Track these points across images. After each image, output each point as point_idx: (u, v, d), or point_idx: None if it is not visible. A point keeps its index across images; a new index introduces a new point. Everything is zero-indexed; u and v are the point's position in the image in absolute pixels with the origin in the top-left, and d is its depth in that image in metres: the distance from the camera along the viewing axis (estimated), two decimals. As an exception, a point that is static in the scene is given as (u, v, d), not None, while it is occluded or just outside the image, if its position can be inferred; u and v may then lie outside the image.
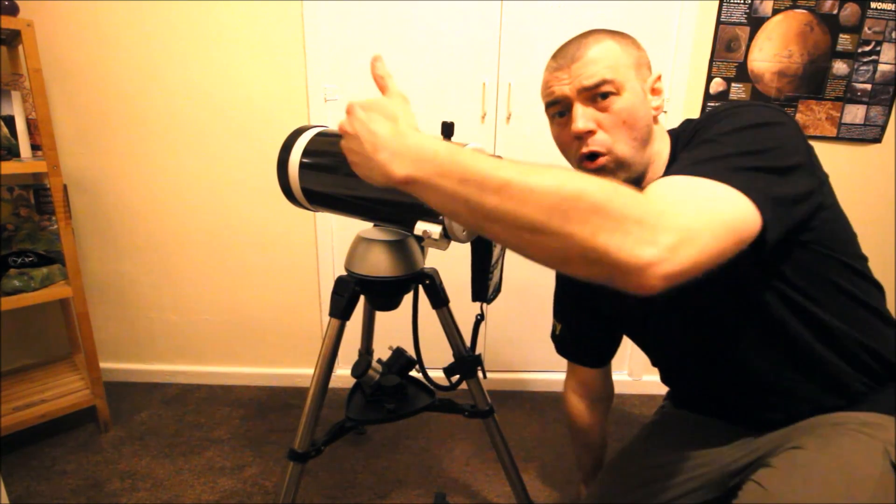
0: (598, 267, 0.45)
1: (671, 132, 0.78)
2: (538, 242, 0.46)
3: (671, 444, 0.93)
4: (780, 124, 0.62)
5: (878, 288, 0.76)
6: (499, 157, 0.50)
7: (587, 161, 0.73)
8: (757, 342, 0.75)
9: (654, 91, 0.74)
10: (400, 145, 0.52)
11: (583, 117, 0.70)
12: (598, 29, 0.74)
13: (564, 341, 1.04)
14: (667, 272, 0.44)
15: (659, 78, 0.75)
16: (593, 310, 0.95)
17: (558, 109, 0.74)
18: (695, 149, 0.61)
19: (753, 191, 0.52)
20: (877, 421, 0.69)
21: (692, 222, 0.46)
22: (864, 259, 0.75)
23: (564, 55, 0.72)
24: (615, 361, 1.08)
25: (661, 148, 0.76)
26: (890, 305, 0.76)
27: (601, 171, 0.73)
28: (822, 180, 0.67)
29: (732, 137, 0.60)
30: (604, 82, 0.68)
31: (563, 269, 0.49)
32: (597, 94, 0.69)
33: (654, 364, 0.95)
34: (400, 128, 0.54)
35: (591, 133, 0.70)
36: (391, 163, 0.52)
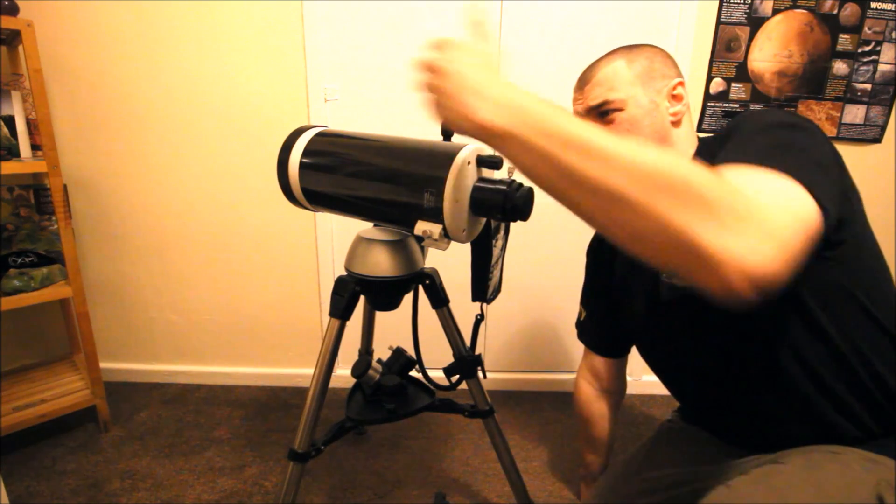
0: (679, 253, 0.41)
1: (702, 140, 0.81)
2: (620, 216, 0.43)
3: (675, 456, 0.93)
4: (814, 130, 0.63)
5: None
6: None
7: None
8: (767, 372, 0.74)
9: (675, 97, 0.78)
10: (492, 91, 0.49)
11: None
12: (616, 48, 0.79)
13: (585, 327, 1.08)
14: (755, 271, 0.39)
15: (679, 84, 0.78)
16: (617, 304, 0.97)
17: None
18: (742, 142, 0.59)
19: (814, 185, 0.49)
20: (881, 460, 0.66)
21: (777, 219, 0.43)
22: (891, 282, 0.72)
23: (581, 79, 0.80)
24: (616, 361, 1.08)
25: (683, 150, 0.79)
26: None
27: None
28: (852, 187, 0.68)
29: (781, 131, 0.59)
30: (605, 102, 0.76)
31: (640, 251, 0.45)
32: (602, 112, 0.76)
33: (657, 374, 0.95)
34: (494, 75, 0.51)
35: None
36: (477, 107, 0.48)
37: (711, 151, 0.72)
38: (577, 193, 0.45)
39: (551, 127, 0.45)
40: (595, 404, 1.11)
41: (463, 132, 0.51)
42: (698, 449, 0.92)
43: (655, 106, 0.76)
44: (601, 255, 0.99)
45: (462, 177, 0.74)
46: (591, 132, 0.44)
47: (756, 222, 0.40)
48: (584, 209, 0.46)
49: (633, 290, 0.87)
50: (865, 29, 1.55)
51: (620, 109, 0.75)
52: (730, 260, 0.38)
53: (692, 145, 0.80)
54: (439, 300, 1.01)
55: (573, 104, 0.81)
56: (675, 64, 0.81)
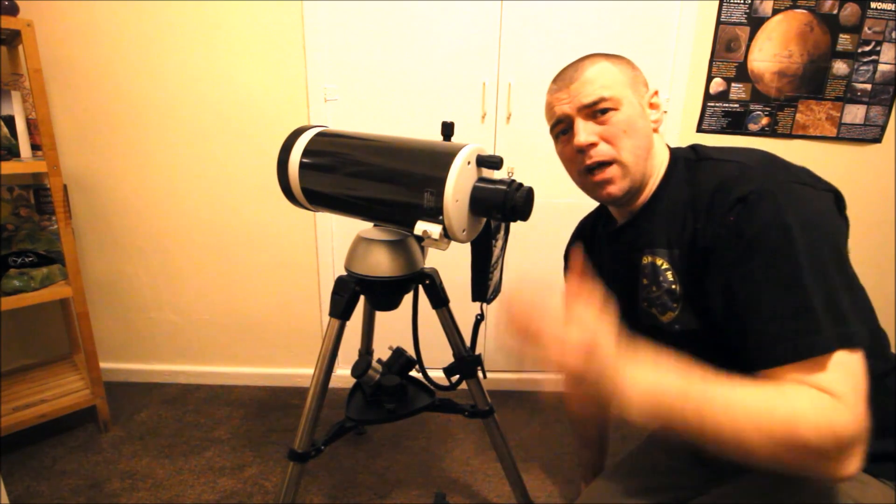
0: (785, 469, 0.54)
1: (674, 152, 0.79)
2: (746, 458, 0.54)
3: (664, 459, 0.93)
4: (822, 214, 0.61)
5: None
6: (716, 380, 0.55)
7: (590, 174, 0.75)
8: None
9: (652, 106, 0.77)
10: (632, 392, 0.56)
11: (584, 131, 0.73)
12: (593, 53, 0.78)
13: None
14: (852, 460, 0.52)
15: (656, 93, 0.77)
16: None
17: (562, 128, 0.78)
18: (771, 311, 0.58)
19: (854, 338, 0.55)
20: (860, 477, 0.65)
21: (857, 412, 0.53)
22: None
23: (563, 78, 0.77)
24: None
25: (661, 162, 0.78)
26: (890, 308, 0.75)
27: (608, 183, 0.74)
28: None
29: (804, 272, 0.57)
30: (601, 100, 0.72)
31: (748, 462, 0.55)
32: (596, 111, 0.73)
33: None
34: (621, 365, 0.57)
35: (592, 145, 0.73)
36: (621, 404, 0.56)
37: (692, 181, 0.71)
38: (702, 441, 0.55)
39: (688, 414, 0.54)
40: (583, 408, 1.10)
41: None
42: (688, 453, 0.92)
43: (643, 110, 0.75)
44: None
45: (462, 177, 0.74)
46: (730, 414, 0.53)
47: (850, 445, 0.51)
48: (707, 446, 0.55)
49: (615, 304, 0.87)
50: (865, 29, 1.55)
51: (615, 109, 0.72)
52: (835, 471, 0.52)
53: (664, 156, 0.78)
54: (439, 300, 1.01)
55: (554, 105, 0.77)
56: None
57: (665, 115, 0.78)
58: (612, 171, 0.73)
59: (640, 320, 0.79)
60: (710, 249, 0.65)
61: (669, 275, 0.72)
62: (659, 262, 0.74)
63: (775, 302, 0.58)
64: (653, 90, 0.78)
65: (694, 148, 0.77)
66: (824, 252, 0.58)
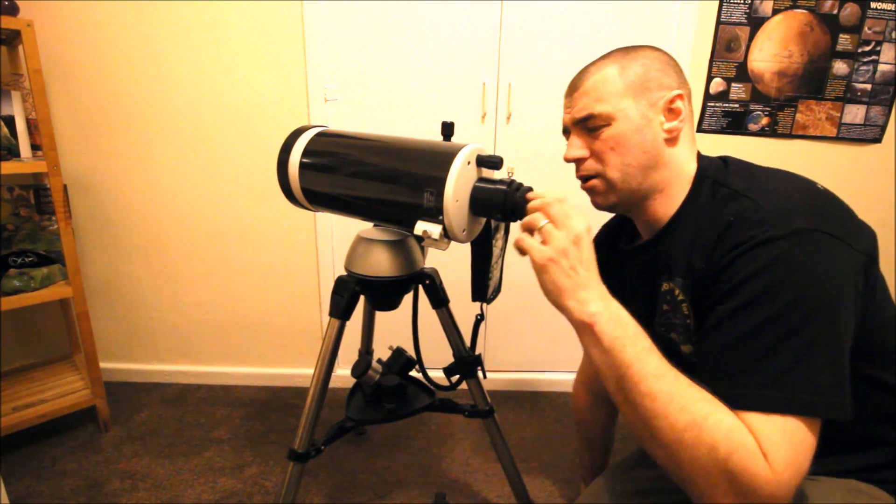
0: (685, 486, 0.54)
1: (703, 168, 0.72)
2: (653, 450, 0.55)
3: None
4: (828, 270, 0.56)
5: None
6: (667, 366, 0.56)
7: (583, 181, 0.77)
8: None
9: (672, 111, 0.70)
10: (595, 293, 0.59)
11: (572, 146, 0.74)
12: (612, 51, 0.73)
13: None
14: None
15: (679, 97, 0.69)
16: None
17: (569, 135, 0.78)
18: (749, 357, 0.55)
19: (824, 407, 0.53)
20: (868, 490, 0.65)
21: (792, 483, 0.49)
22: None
23: (572, 83, 0.75)
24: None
25: (679, 175, 0.72)
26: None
27: (592, 193, 0.76)
28: (867, 285, 0.60)
29: (793, 332, 0.54)
30: (591, 116, 0.70)
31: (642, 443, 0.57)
32: (588, 126, 0.72)
33: None
34: (593, 272, 0.61)
35: (580, 160, 0.74)
36: (588, 302, 0.58)
37: (712, 209, 0.66)
38: (621, 399, 0.57)
39: (627, 354, 0.55)
40: (590, 409, 1.10)
41: (554, 303, 0.61)
42: None
43: (647, 121, 0.69)
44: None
45: (462, 177, 0.74)
46: (657, 381, 0.54)
47: (767, 493, 0.48)
48: (629, 420, 0.57)
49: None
50: (865, 29, 1.55)
51: (607, 124, 0.69)
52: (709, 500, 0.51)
53: (686, 167, 0.72)
54: (439, 300, 1.01)
55: (563, 111, 0.76)
56: (677, 71, 0.72)
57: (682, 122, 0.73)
58: (595, 183, 0.74)
59: (656, 343, 0.77)
60: (707, 287, 0.63)
61: (684, 307, 0.70)
62: (676, 292, 0.71)
63: (739, 344, 0.55)
64: (675, 92, 0.69)
65: (726, 163, 0.72)
66: (811, 313, 0.54)
